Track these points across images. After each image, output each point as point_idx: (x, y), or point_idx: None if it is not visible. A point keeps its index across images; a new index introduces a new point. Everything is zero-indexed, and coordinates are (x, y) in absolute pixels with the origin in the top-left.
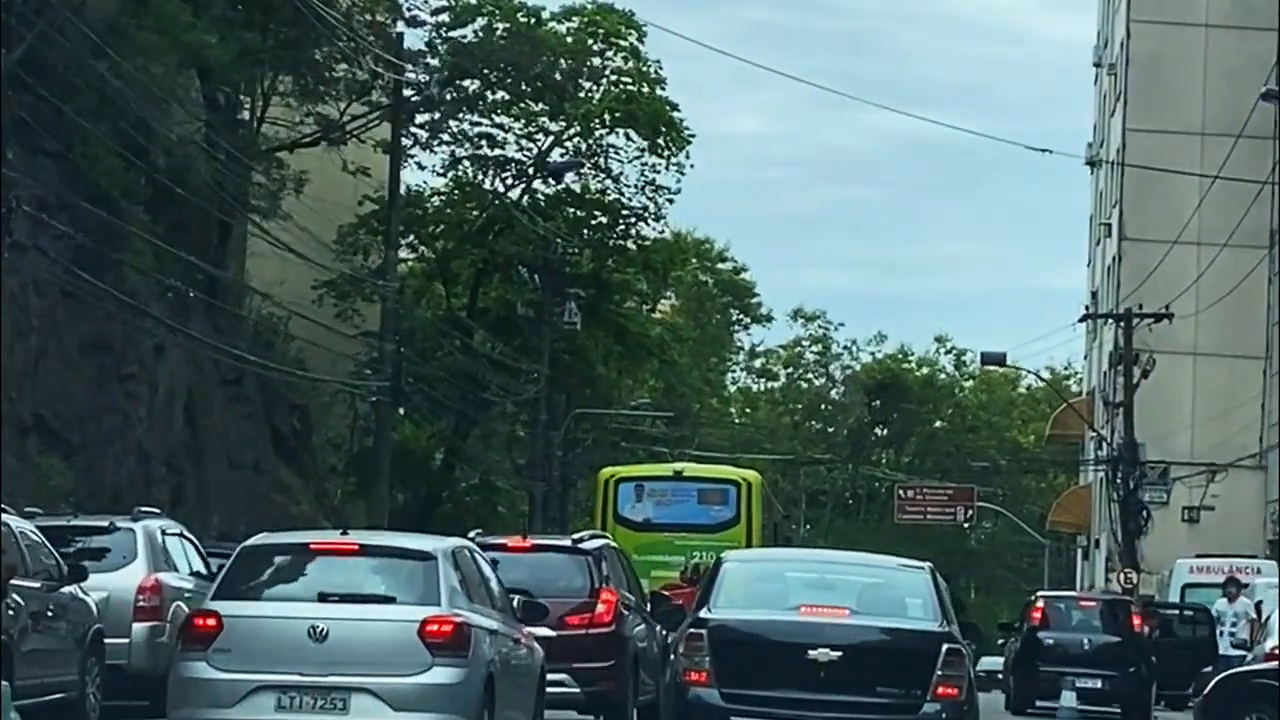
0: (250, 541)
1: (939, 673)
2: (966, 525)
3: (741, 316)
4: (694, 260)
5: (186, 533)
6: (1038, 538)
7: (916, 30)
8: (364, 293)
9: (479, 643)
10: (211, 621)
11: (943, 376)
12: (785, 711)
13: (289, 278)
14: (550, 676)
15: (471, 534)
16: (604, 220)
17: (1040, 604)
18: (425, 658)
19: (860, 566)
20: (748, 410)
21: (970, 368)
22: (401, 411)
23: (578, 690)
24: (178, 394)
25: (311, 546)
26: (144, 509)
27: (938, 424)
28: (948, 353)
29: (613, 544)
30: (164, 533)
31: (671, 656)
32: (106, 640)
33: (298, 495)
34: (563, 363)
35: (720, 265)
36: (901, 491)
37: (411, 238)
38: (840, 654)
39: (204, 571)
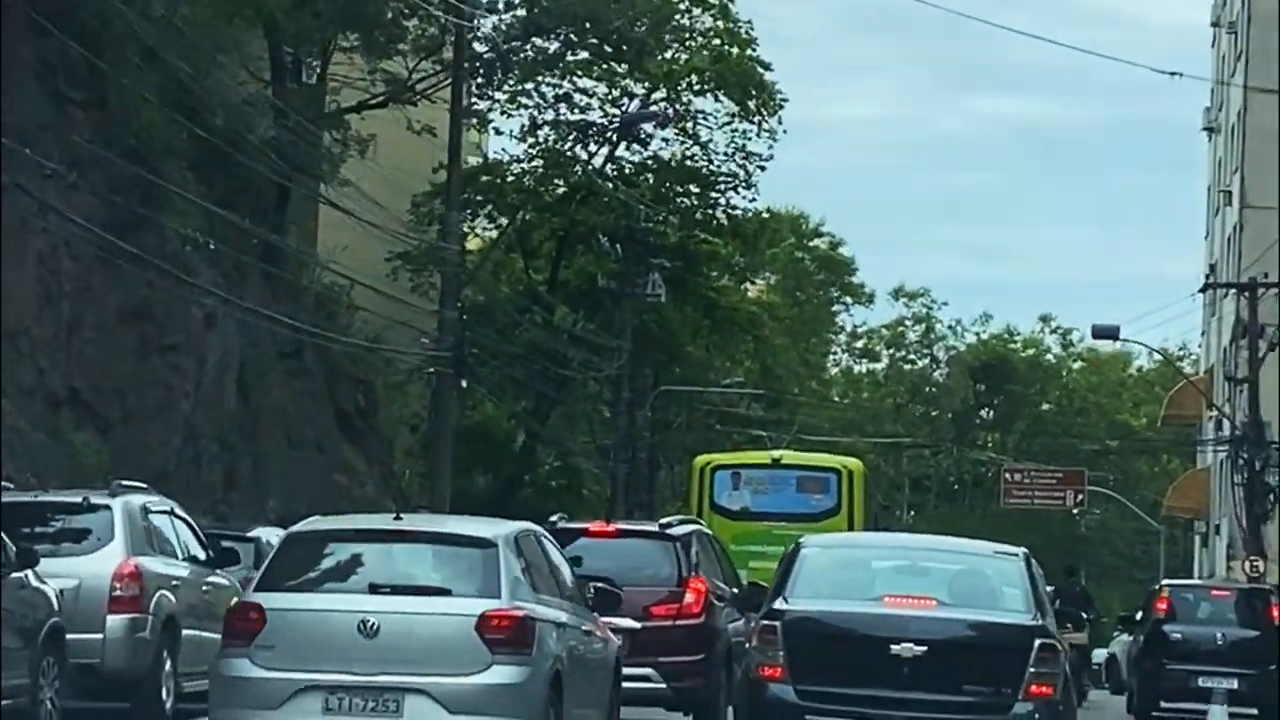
0: (296, 528)
1: (1031, 670)
2: (1076, 510)
3: (841, 295)
4: (790, 236)
5: (180, 511)
6: (1152, 523)
7: (1023, 13)
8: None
9: (544, 638)
10: (254, 615)
11: (1049, 358)
12: (866, 710)
13: (361, 249)
14: (634, 671)
15: (553, 519)
16: (691, 188)
17: (1166, 594)
18: (484, 656)
19: (950, 553)
20: (849, 393)
21: (1078, 348)
22: (482, 391)
23: (664, 686)
24: (229, 367)
25: (362, 533)
26: (125, 482)
27: (1045, 406)
28: (1054, 332)
29: (705, 530)
30: (148, 511)
31: (745, 650)
32: (77, 636)
33: (362, 477)
34: (648, 338)
35: (816, 240)
36: (1008, 475)
37: (490, 208)
38: (926, 649)
39: (201, 557)
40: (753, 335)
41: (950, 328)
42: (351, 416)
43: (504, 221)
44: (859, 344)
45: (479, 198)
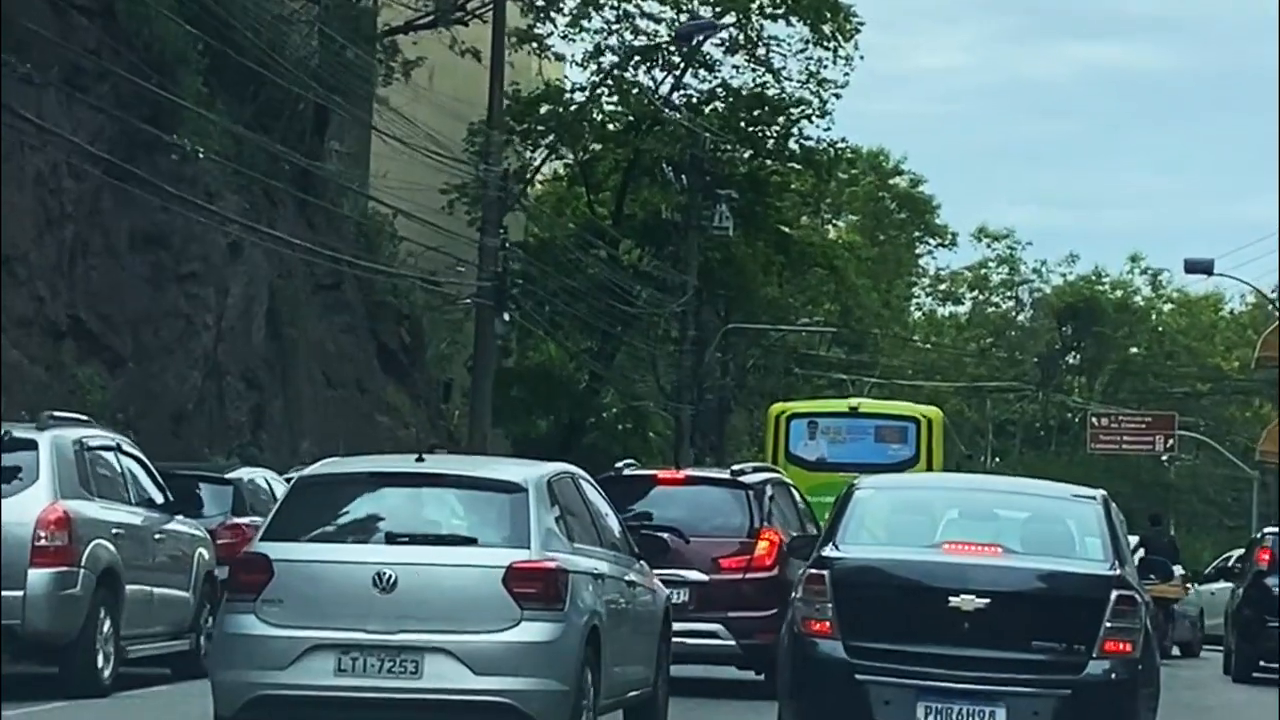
0: (307, 470)
1: (1108, 624)
2: (1166, 456)
3: (923, 235)
4: (870, 175)
5: (130, 446)
6: (1245, 469)
7: None
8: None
9: (579, 591)
10: (260, 567)
11: (1139, 299)
12: (921, 669)
13: (417, 182)
14: (701, 627)
15: (620, 465)
16: (762, 116)
17: (1269, 544)
18: (513, 611)
19: (1020, 496)
20: (932, 337)
21: (1168, 290)
22: (541, 330)
23: (733, 643)
24: (257, 299)
25: (379, 477)
26: (57, 414)
27: (1133, 350)
28: (1143, 273)
29: (782, 478)
30: (86, 447)
31: (793, 598)
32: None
33: (407, 418)
34: (715, 274)
35: (896, 179)
36: (1095, 419)
37: (551, 138)
38: (989, 601)
39: (158, 501)
40: (829, 270)
41: (1035, 269)
42: (396, 354)
43: (566, 154)
44: (942, 287)
45: (540, 128)
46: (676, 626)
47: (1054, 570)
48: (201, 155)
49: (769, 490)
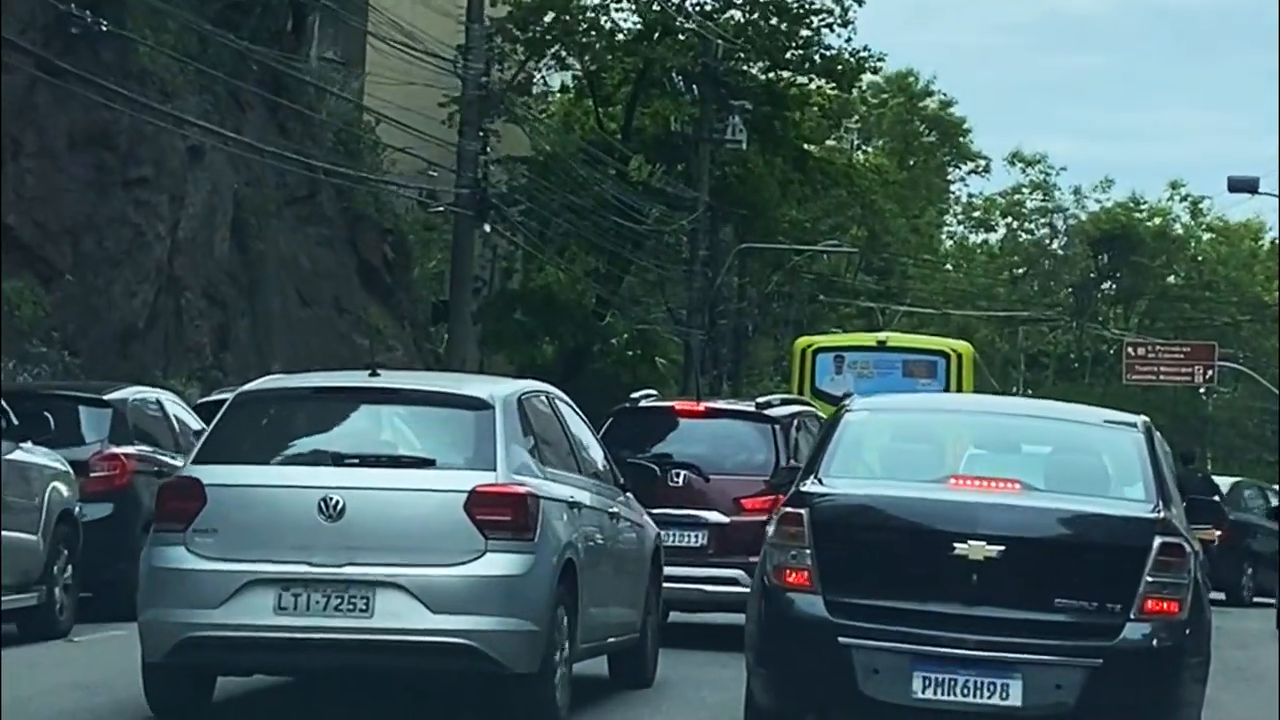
0: (246, 387)
1: (1149, 579)
2: (1203, 389)
3: (954, 160)
4: (898, 97)
5: None
6: None
7: None
8: (507, 111)
9: (551, 521)
10: (191, 493)
11: (1177, 228)
12: (918, 630)
13: (417, 94)
14: (720, 574)
15: (637, 395)
16: (780, 24)
17: None
18: (476, 541)
19: (1045, 421)
20: (963, 264)
21: (1207, 217)
22: (546, 256)
23: None
24: (220, 209)
25: (326, 392)
26: None
27: (1170, 279)
28: (1183, 200)
29: (814, 412)
30: None
31: (765, 542)
32: None
33: (390, 340)
34: (730, 192)
35: (926, 101)
36: (1131, 349)
37: (557, 47)
38: (1003, 549)
39: None
40: (850, 191)
41: (1073, 192)
42: (378, 271)
43: (574, 64)
44: (974, 214)
45: (546, 37)
46: (692, 572)
47: (1084, 512)
48: (146, 46)
49: (797, 424)
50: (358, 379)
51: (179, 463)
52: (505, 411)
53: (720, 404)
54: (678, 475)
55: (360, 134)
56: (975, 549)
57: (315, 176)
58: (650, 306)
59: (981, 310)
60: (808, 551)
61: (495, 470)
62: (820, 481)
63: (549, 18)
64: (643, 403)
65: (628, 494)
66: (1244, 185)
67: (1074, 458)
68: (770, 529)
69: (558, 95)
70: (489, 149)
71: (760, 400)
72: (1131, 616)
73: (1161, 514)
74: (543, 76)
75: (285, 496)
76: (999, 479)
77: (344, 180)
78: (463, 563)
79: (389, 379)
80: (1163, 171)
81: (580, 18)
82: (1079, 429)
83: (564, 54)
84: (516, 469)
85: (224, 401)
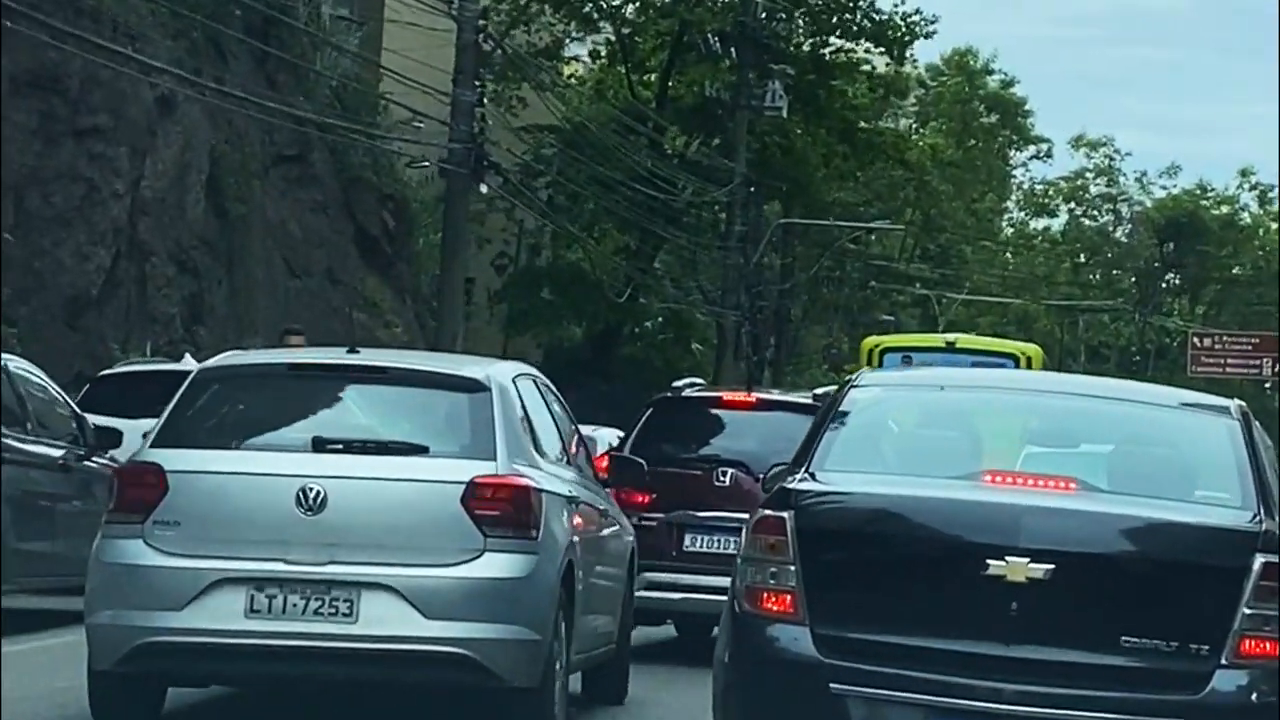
0: (211, 361)
1: (1246, 611)
2: (1269, 384)
3: (1015, 142)
4: (957, 76)
5: None
6: None
7: None
8: (530, 77)
9: (553, 517)
10: (151, 481)
11: (1245, 217)
12: (936, 676)
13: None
14: None
15: (679, 383)
16: None
17: None
18: (474, 539)
19: (1110, 402)
20: (1023, 251)
21: (1276, 206)
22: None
23: None
24: (195, 166)
25: (304, 368)
26: None
27: (1236, 270)
28: (1253, 189)
29: None
30: None
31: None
32: None
33: (388, 315)
34: (773, 164)
35: (986, 79)
36: (1196, 340)
37: (589, 8)
38: (1053, 568)
39: None
40: (900, 164)
41: (1137, 178)
42: (378, 240)
43: (605, 27)
44: (1036, 198)
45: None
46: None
47: (1161, 520)
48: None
49: None
50: (338, 355)
51: (32, 447)
52: (503, 395)
53: (773, 394)
54: (724, 474)
55: (362, 89)
56: (1015, 568)
57: (307, 134)
58: (687, 287)
59: (1042, 298)
60: (792, 569)
61: (495, 460)
62: (812, 476)
63: None
64: (686, 392)
65: (607, 490)
66: None
67: (1148, 450)
68: (744, 537)
69: (590, 62)
70: (514, 114)
71: (818, 392)
72: (1223, 661)
73: (1264, 525)
74: (572, 40)
75: (258, 485)
76: (1049, 476)
77: (334, 136)
78: (459, 563)
79: (371, 356)
80: (1230, 166)
81: None
82: (1154, 413)
83: (595, 16)
84: (516, 457)
85: (124, 376)
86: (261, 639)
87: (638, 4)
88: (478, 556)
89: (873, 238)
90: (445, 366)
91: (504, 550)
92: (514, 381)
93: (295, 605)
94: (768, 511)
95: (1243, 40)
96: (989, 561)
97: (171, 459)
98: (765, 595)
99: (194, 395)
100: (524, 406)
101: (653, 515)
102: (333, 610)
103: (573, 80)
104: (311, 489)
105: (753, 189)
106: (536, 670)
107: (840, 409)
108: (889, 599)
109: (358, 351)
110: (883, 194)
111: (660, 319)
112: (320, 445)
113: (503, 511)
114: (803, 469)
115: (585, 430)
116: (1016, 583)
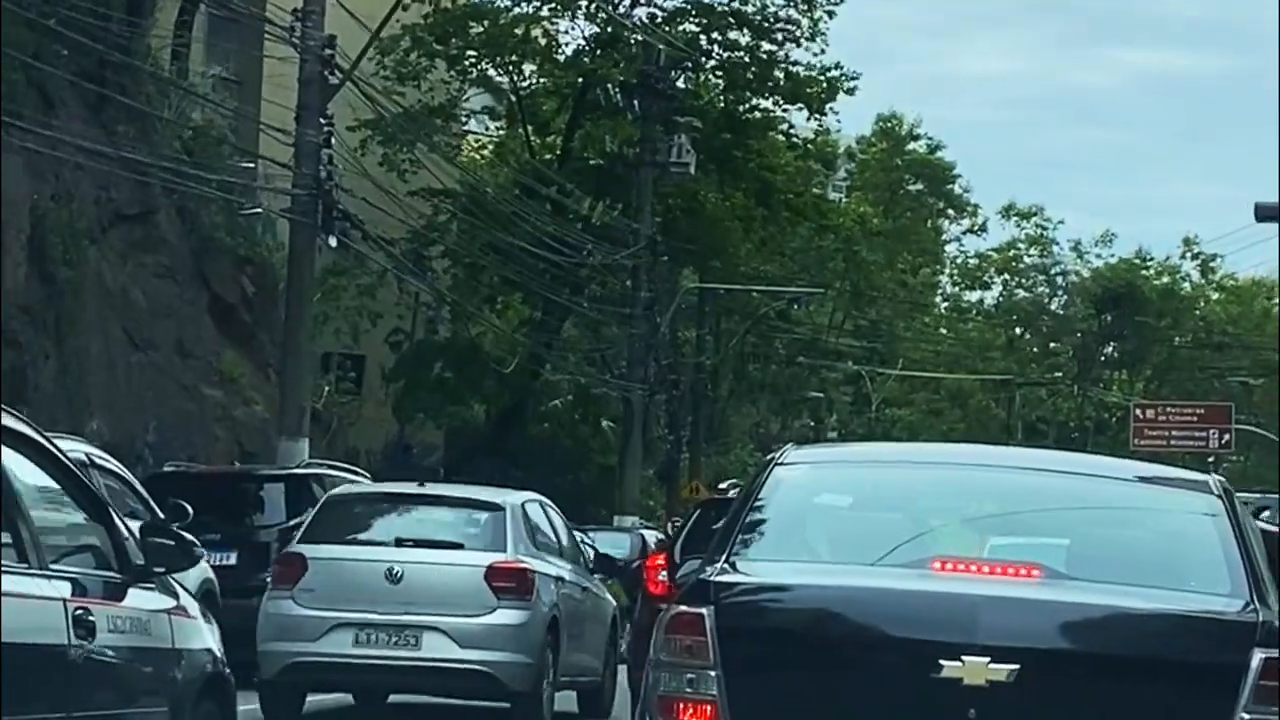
0: (334, 491)
1: (1245, 716)
2: (1211, 458)
3: (944, 208)
4: (881, 142)
5: None
6: None
7: None
8: (427, 135)
9: (543, 587)
10: (297, 563)
11: (1186, 287)
12: None
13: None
14: None
15: (725, 484)
16: (739, 38)
17: None
18: (491, 600)
19: (1072, 478)
20: (958, 324)
21: (1218, 276)
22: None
23: None
24: (14, 225)
25: (390, 496)
26: None
27: (1178, 341)
28: (1194, 258)
29: None
30: None
31: (649, 661)
32: None
33: (248, 391)
34: (680, 225)
35: (912, 145)
36: (1139, 412)
37: (483, 63)
38: (1016, 668)
39: None
40: (818, 227)
41: (1073, 246)
42: (235, 308)
43: (502, 82)
44: (969, 270)
45: (471, 53)
46: None
47: (1141, 611)
48: None
49: None
50: (411, 487)
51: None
52: (512, 512)
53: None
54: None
55: (218, 137)
56: (974, 669)
57: (151, 191)
58: (595, 360)
59: (976, 373)
60: (712, 674)
61: (506, 551)
62: (733, 566)
63: (476, 29)
64: (731, 493)
65: (596, 576)
66: (1272, 214)
67: (1120, 532)
68: (656, 638)
69: (490, 121)
70: (404, 177)
71: (723, 485)
72: None
73: (1261, 615)
74: (467, 99)
75: (361, 567)
76: (1008, 563)
77: (182, 189)
78: (482, 614)
79: (432, 488)
80: (1169, 242)
81: (512, 31)
82: (1124, 489)
83: (490, 71)
84: (519, 551)
85: None
86: (362, 660)
87: (538, 60)
88: (494, 610)
89: (798, 309)
90: (478, 495)
91: (510, 607)
92: (523, 504)
93: (383, 638)
94: (683, 607)
95: (1180, 122)
96: (942, 662)
97: (311, 550)
98: (681, 706)
99: (323, 510)
100: (528, 519)
101: None
102: (405, 642)
103: (469, 141)
104: (394, 569)
105: (664, 254)
106: (531, 682)
107: (763, 489)
108: (826, 708)
109: (424, 485)
110: (810, 266)
111: (569, 396)
112: (399, 542)
113: (509, 584)
114: (722, 557)
115: None
116: (975, 686)
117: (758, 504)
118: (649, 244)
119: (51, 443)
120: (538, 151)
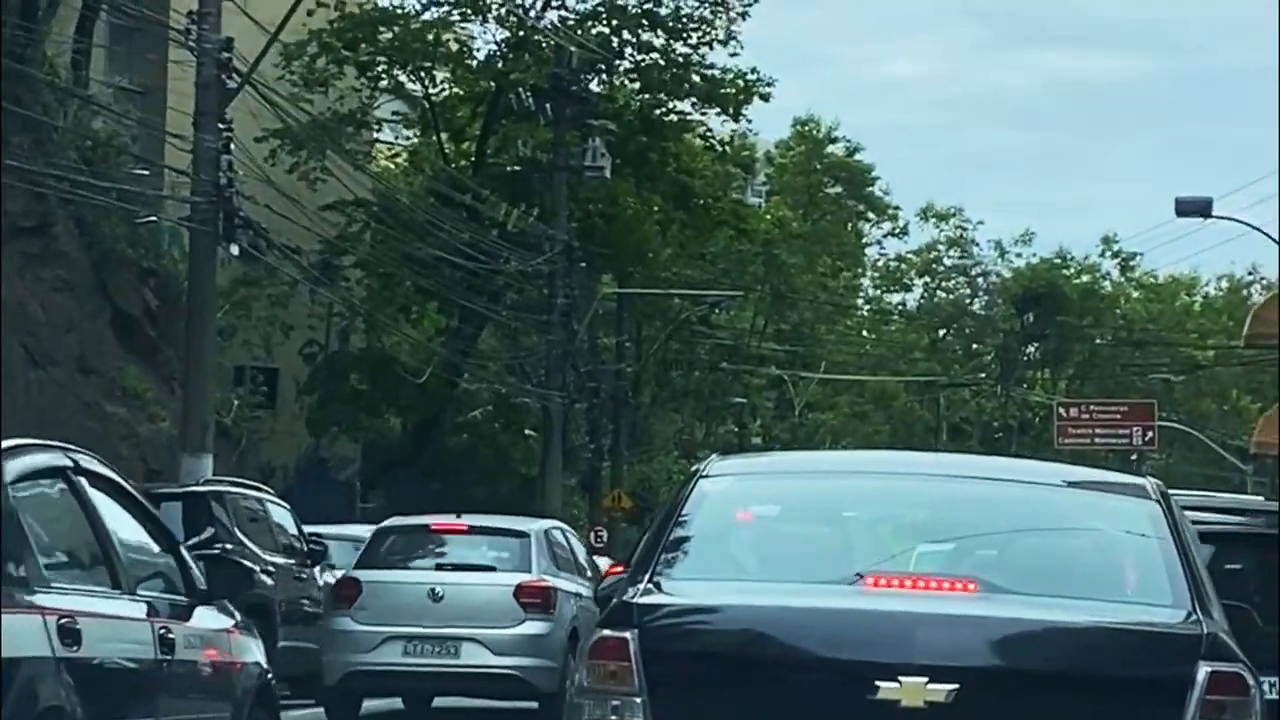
0: (384, 524)
1: None
2: (1135, 456)
3: (864, 211)
4: (800, 145)
5: None
6: (1239, 465)
7: None
8: (337, 143)
9: (563, 603)
10: (354, 587)
11: (1107, 285)
12: None
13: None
14: None
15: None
16: (653, 40)
17: None
18: (519, 614)
19: (1005, 485)
20: (879, 326)
21: (1138, 274)
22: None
23: None
24: None
25: (432, 528)
26: None
27: (1099, 340)
28: (1115, 256)
29: None
30: None
31: (570, 687)
32: None
33: (153, 407)
34: (598, 231)
35: (830, 148)
36: (1063, 410)
37: (397, 74)
38: (955, 688)
39: None
40: (736, 231)
41: (994, 244)
42: (138, 321)
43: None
44: (890, 273)
45: (381, 59)
46: None
47: (1082, 625)
48: None
49: None
50: (450, 519)
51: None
52: (536, 538)
53: None
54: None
55: (117, 147)
56: (911, 690)
57: (48, 203)
58: (514, 368)
59: (899, 375)
60: (637, 701)
61: (531, 572)
62: (657, 587)
63: (385, 35)
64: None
65: None
66: (1194, 208)
67: (1058, 541)
68: (578, 665)
69: (403, 129)
70: (314, 186)
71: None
72: None
73: (1204, 627)
74: (379, 106)
75: (409, 588)
76: (942, 577)
77: (78, 199)
78: (512, 626)
79: (467, 520)
80: (1088, 241)
81: (423, 36)
82: (1059, 496)
83: (401, 78)
84: (544, 572)
85: None
86: (411, 667)
87: (450, 66)
88: (523, 622)
89: (719, 314)
90: (507, 524)
91: (536, 619)
92: (545, 531)
93: (428, 648)
94: (606, 632)
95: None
96: (878, 684)
97: (365, 574)
98: None
99: (376, 539)
100: (550, 543)
101: None
102: (447, 651)
103: (381, 149)
104: (436, 589)
105: (582, 260)
106: (555, 684)
107: (687, 504)
108: None
109: (460, 517)
110: (731, 270)
111: (489, 406)
112: (440, 566)
113: (535, 600)
114: (645, 577)
115: None
116: (913, 708)
117: (682, 519)
118: (565, 249)
119: (127, 481)
120: (452, 158)
